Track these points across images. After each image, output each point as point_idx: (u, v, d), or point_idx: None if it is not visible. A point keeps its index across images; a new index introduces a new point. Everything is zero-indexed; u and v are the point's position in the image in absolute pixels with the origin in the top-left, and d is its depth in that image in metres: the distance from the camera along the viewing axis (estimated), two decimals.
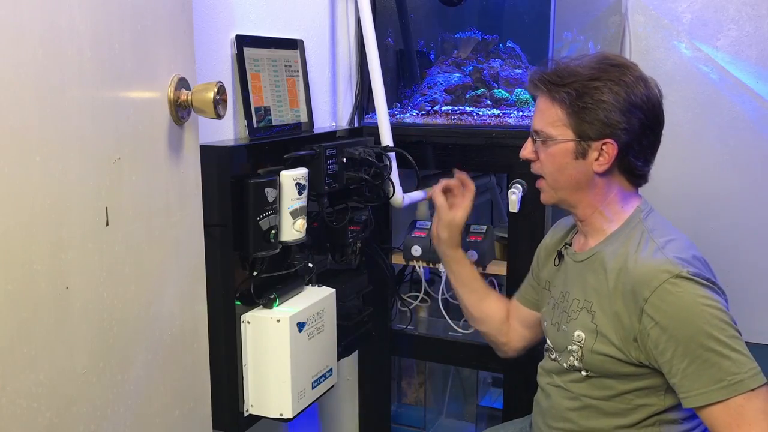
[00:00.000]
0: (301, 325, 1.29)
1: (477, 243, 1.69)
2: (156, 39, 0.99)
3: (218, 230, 1.20)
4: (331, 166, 1.41)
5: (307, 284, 1.41)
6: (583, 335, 1.22)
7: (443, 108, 1.75)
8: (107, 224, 0.92)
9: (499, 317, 1.53)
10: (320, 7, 1.65)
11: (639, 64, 1.23)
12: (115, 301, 0.94)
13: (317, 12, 1.64)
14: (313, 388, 1.35)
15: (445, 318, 1.77)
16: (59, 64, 0.83)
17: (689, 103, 1.91)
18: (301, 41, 1.52)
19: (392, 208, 1.74)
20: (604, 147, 1.19)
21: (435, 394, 2.17)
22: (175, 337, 1.07)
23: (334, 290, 1.42)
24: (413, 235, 1.77)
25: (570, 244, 1.37)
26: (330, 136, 1.55)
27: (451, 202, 1.53)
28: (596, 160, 1.21)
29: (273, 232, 1.26)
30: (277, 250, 1.29)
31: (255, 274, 1.28)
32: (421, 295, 1.86)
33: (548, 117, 1.23)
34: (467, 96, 1.79)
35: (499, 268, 1.72)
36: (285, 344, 1.26)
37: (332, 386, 1.43)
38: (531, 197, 1.54)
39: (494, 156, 1.63)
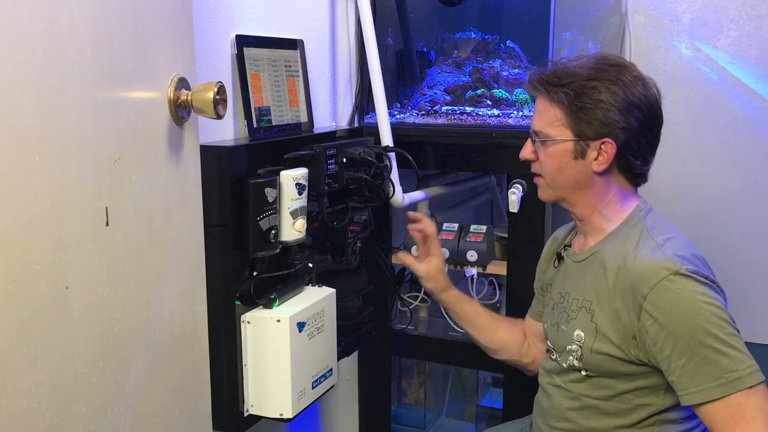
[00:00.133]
0: (301, 325, 1.29)
1: (477, 243, 1.69)
2: (156, 39, 0.99)
3: (218, 230, 1.20)
4: (331, 166, 1.41)
5: (307, 284, 1.41)
6: (582, 334, 1.22)
7: (443, 108, 1.75)
8: (107, 224, 0.92)
9: (515, 343, 1.51)
10: (320, 7, 1.65)
11: (639, 64, 1.23)
12: (115, 301, 0.94)
13: (317, 12, 1.64)
14: (313, 388, 1.35)
15: (445, 318, 1.77)
16: (59, 64, 0.83)
17: (689, 103, 1.91)
18: (301, 41, 1.52)
19: (392, 208, 1.75)
20: (602, 146, 1.20)
21: (435, 394, 2.17)
22: (175, 337, 1.07)
23: (334, 290, 1.42)
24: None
25: (569, 246, 1.37)
26: (330, 136, 1.55)
27: (423, 251, 1.55)
28: (595, 159, 1.21)
29: (273, 232, 1.26)
30: (277, 250, 1.29)
31: (255, 274, 1.28)
32: (421, 295, 1.86)
33: (547, 117, 1.24)
34: (467, 96, 1.79)
35: (499, 268, 1.72)
36: (285, 344, 1.26)
37: (332, 386, 1.43)
38: (531, 197, 1.54)
39: (494, 156, 1.63)
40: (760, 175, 1.87)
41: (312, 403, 1.36)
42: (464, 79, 1.83)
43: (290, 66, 1.48)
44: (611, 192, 1.25)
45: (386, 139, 1.62)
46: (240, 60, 1.33)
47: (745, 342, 1.11)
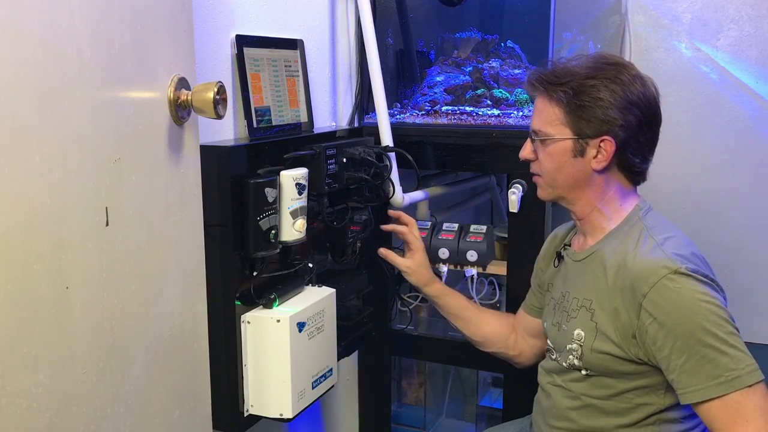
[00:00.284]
0: (301, 325, 1.29)
1: (477, 243, 1.69)
2: (156, 39, 0.99)
3: (218, 230, 1.20)
4: (331, 166, 1.41)
5: (307, 284, 1.41)
6: (582, 333, 1.23)
7: (443, 108, 1.75)
8: (107, 224, 0.92)
9: (501, 335, 1.54)
10: (320, 7, 1.65)
11: (639, 64, 1.24)
12: (115, 301, 0.94)
13: (317, 12, 1.64)
14: (313, 388, 1.35)
15: (445, 318, 1.77)
16: (59, 64, 0.83)
17: (689, 103, 1.91)
18: (301, 41, 1.52)
19: (392, 208, 1.74)
20: (602, 144, 1.20)
21: (435, 394, 2.17)
22: (175, 337, 1.07)
23: (334, 290, 1.42)
24: None
25: (569, 245, 1.37)
26: (330, 136, 1.55)
27: (406, 248, 1.59)
28: (594, 157, 1.21)
29: (273, 232, 1.26)
30: (277, 250, 1.29)
31: (255, 274, 1.28)
32: (421, 295, 1.86)
33: (546, 116, 1.24)
34: (467, 96, 1.79)
35: (499, 268, 1.72)
36: (285, 344, 1.26)
37: (332, 386, 1.44)
38: (531, 197, 1.54)
39: (494, 156, 1.63)
40: (760, 175, 1.87)
41: (312, 403, 1.36)
42: (464, 79, 1.83)
43: (290, 66, 1.48)
44: (611, 190, 1.25)
45: (386, 139, 1.62)
46: (240, 60, 1.33)
47: (745, 342, 1.11)
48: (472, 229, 1.73)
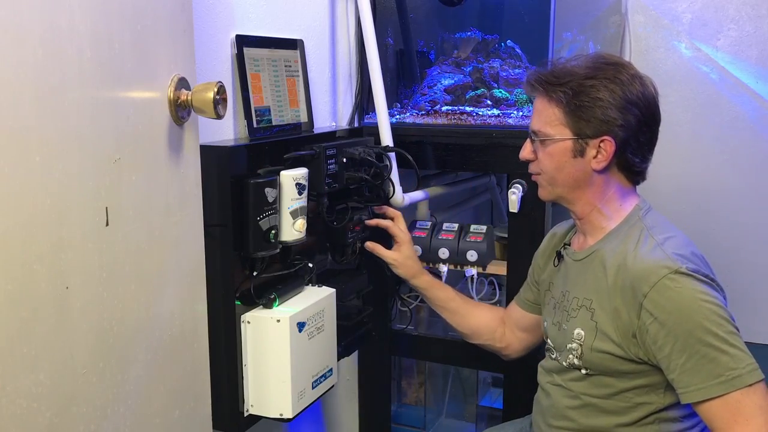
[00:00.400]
0: (301, 325, 1.29)
1: (477, 243, 1.69)
2: (156, 39, 0.99)
3: (218, 230, 1.20)
4: (331, 166, 1.41)
5: (307, 284, 1.41)
6: (582, 333, 1.23)
7: (443, 108, 1.75)
8: (107, 224, 0.92)
9: (489, 327, 1.55)
10: (320, 7, 1.65)
11: (639, 64, 1.24)
12: (115, 301, 0.94)
13: (317, 12, 1.64)
14: (313, 388, 1.35)
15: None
16: (59, 64, 0.83)
17: (689, 103, 1.91)
18: (301, 41, 1.52)
19: (393, 207, 1.74)
20: (601, 144, 1.20)
21: (435, 394, 2.17)
22: (175, 337, 1.07)
23: (334, 290, 1.42)
24: (413, 235, 1.76)
25: (569, 244, 1.37)
26: (330, 136, 1.55)
27: (393, 241, 1.60)
28: (594, 157, 1.21)
29: (273, 232, 1.26)
30: (277, 250, 1.29)
31: (255, 274, 1.28)
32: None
33: (546, 117, 1.24)
34: (467, 96, 1.79)
35: (499, 268, 1.72)
36: (285, 344, 1.26)
37: (332, 386, 1.44)
38: (531, 197, 1.54)
39: (494, 156, 1.64)
40: (760, 175, 1.87)
41: (312, 403, 1.36)
42: (464, 79, 1.83)
43: (290, 66, 1.48)
44: (610, 190, 1.25)
45: (386, 139, 1.62)
46: (240, 60, 1.33)
47: (745, 342, 1.11)
48: (472, 229, 1.74)
